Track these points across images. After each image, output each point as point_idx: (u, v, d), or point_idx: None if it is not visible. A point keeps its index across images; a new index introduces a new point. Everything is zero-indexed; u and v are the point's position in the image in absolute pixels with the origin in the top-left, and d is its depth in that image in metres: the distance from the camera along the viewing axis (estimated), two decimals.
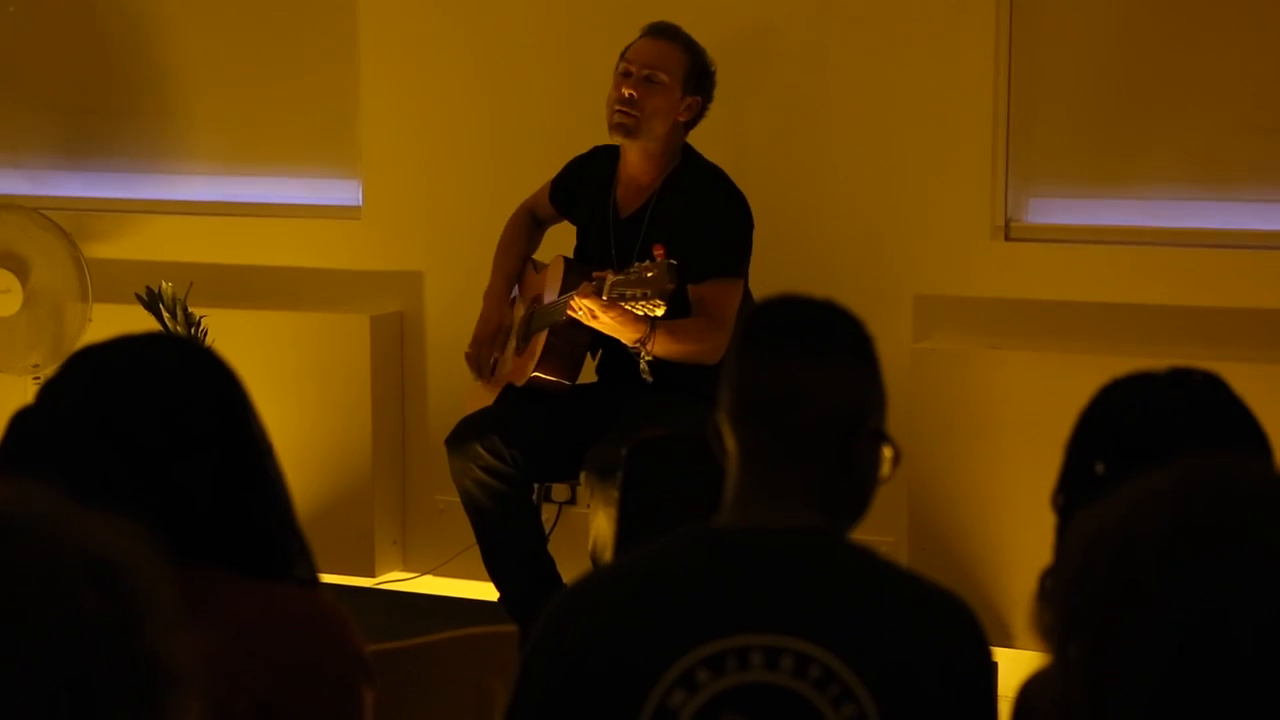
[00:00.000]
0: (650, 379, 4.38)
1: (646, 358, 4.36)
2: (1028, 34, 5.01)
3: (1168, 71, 4.93)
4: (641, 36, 4.65)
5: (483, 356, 4.86)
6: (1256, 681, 1.23)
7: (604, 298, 4.25)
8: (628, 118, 4.55)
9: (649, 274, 4.16)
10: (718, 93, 4.74)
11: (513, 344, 4.85)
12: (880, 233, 5.11)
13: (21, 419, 1.97)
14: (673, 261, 4.15)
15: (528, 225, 4.96)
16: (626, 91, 4.55)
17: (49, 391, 1.99)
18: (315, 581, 2.05)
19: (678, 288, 4.28)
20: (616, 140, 4.61)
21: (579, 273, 4.60)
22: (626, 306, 4.21)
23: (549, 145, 5.12)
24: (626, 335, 4.38)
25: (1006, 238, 5.06)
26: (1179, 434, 2.11)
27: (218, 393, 2.01)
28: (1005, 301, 5.01)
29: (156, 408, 1.96)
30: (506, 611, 4.54)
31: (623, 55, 4.65)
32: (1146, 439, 2.09)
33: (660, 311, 4.18)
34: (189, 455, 1.95)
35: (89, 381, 1.98)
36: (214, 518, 1.97)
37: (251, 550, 1.99)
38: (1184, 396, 2.15)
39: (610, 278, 4.25)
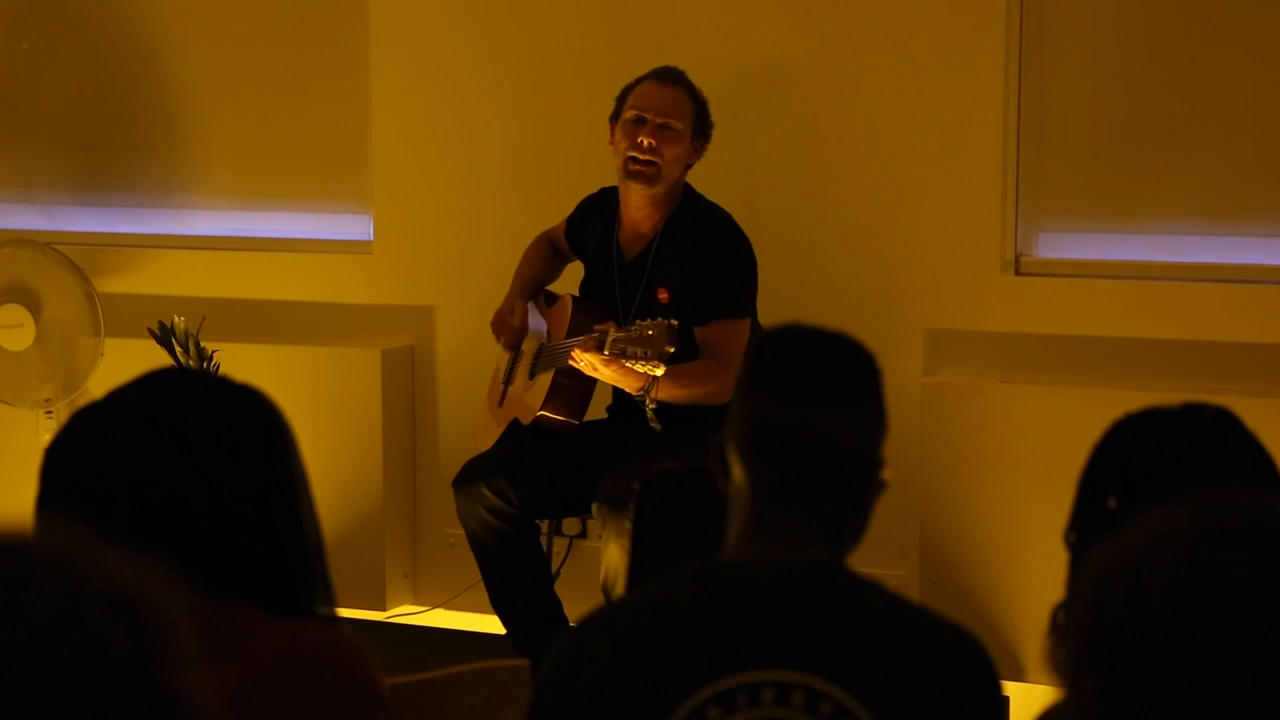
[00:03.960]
0: (658, 427, 4.38)
1: (651, 405, 4.37)
2: (1037, 69, 5.02)
3: (1178, 106, 4.94)
4: (645, 81, 4.64)
5: (503, 325, 4.82)
6: (1270, 716, 1.23)
7: (605, 353, 4.26)
8: (649, 167, 4.55)
9: (649, 333, 4.16)
10: (728, 128, 4.75)
11: (524, 370, 4.85)
12: (891, 267, 5.12)
13: (62, 445, 1.97)
14: (673, 323, 4.16)
15: (548, 248, 4.97)
16: (646, 140, 4.54)
17: (89, 423, 1.99)
18: (336, 618, 2.05)
19: (684, 330, 4.29)
20: (634, 187, 4.60)
21: (586, 314, 4.61)
22: (627, 364, 4.22)
23: (561, 180, 5.14)
24: (629, 386, 4.40)
25: (1017, 272, 5.07)
26: (1192, 469, 2.11)
27: (266, 432, 2.02)
28: (1016, 336, 5.02)
29: (203, 444, 1.97)
30: (514, 650, 4.55)
31: (625, 99, 4.64)
32: (1159, 474, 2.09)
33: (659, 372, 4.19)
34: (232, 491, 1.96)
35: (131, 415, 1.98)
36: (247, 553, 1.97)
37: (277, 586, 1.99)
38: (1196, 431, 2.15)
39: (612, 333, 4.25)
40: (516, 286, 4.90)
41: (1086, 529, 2.14)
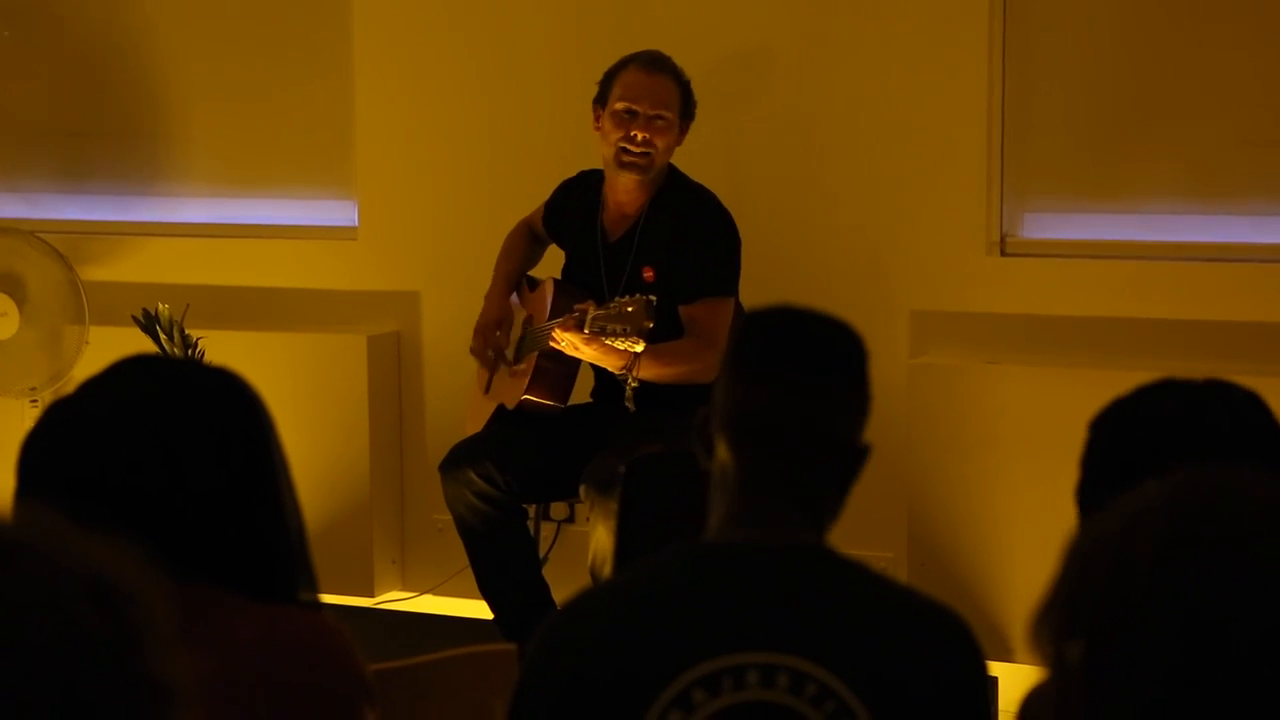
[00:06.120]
0: (633, 408, 4.38)
1: (633, 384, 4.37)
2: (1022, 49, 5.02)
3: (1162, 85, 4.94)
4: (631, 67, 4.62)
5: (486, 343, 4.82)
6: (1252, 689, 1.23)
7: (585, 332, 4.26)
8: (643, 158, 4.55)
9: (629, 309, 4.17)
10: (713, 111, 4.75)
11: (509, 356, 4.85)
12: (876, 249, 5.12)
13: (36, 439, 1.97)
14: (652, 298, 4.16)
15: (527, 236, 4.97)
16: (640, 135, 4.54)
17: (61, 415, 1.98)
18: (318, 604, 2.05)
19: (669, 308, 4.29)
20: (630, 176, 4.60)
21: (568, 295, 4.61)
22: (607, 341, 4.22)
23: (545, 165, 5.13)
24: (611, 365, 4.40)
25: (1002, 253, 5.07)
26: (1220, 445, 2.11)
27: (240, 415, 2.01)
28: (1001, 316, 5.02)
29: (176, 432, 1.96)
30: (502, 634, 4.55)
31: (611, 85, 4.61)
32: (1193, 446, 2.10)
33: (639, 348, 4.19)
34: (208, 477, 1.96)
35: (103, 405, 1.98)
36: (226, 540, 1.97)
37: (257, 572, 1.99)
38: (1227, 409, 2.16)
39: (591, 311, 4.25)
40: (499, 284, 4.89)
41: (1106, 491, 2.14)
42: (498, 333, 4.81)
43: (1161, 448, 2.09)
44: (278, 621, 1.97)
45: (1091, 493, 2.15)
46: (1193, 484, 1.32)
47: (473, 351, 4.86)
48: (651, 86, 4.59)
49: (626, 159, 4.56)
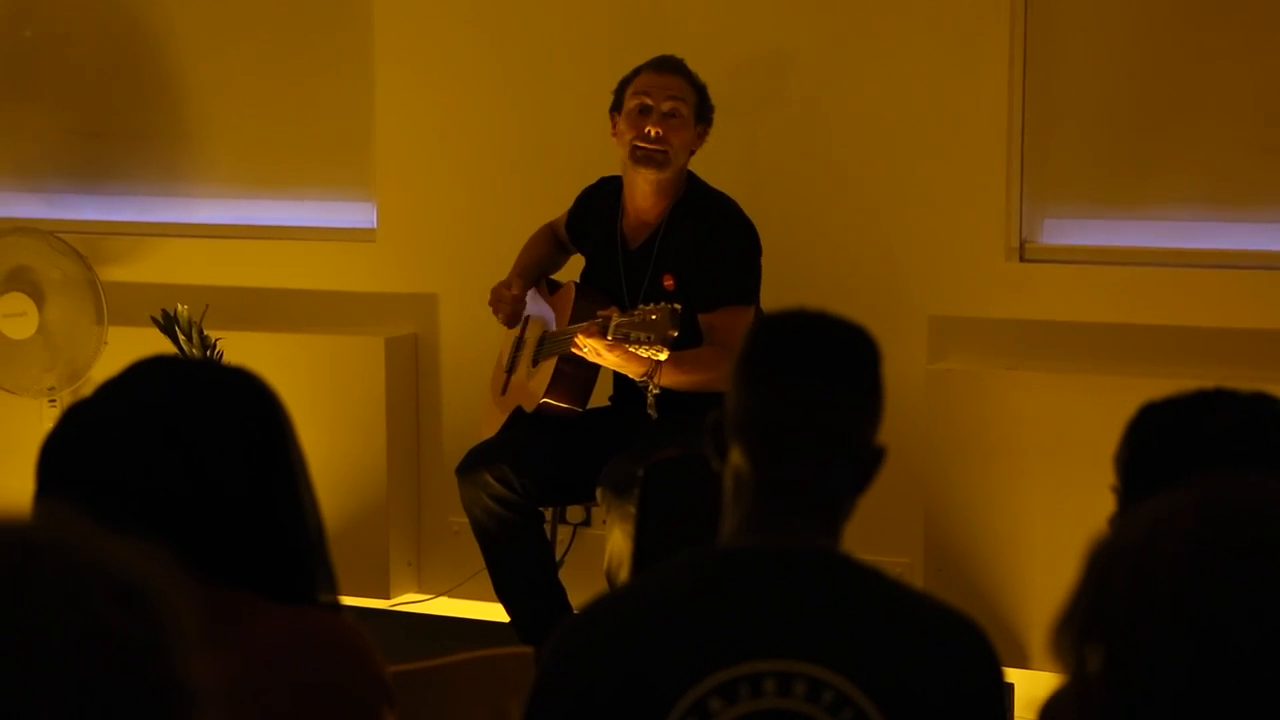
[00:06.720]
0: (655, 415, 4.38)
1: (655, 391, 4.37)
2: (1042, 55, 5.02)
3: (1181, 93, 4.93)
4: (644, 72, 4.64)
5: (501, 297, 4.83)
6: (1272, 697, 1.23)
7: (608, 338, 4.25)
8: (658, 153, 4.55)
9: (653, 317, 4.16)
10: (732, 114, 4.75)
11: (527, 358, 4.85)
12: (895, 254, 5.11)
13: (55, 441, 1.98)
14: (676, 307, 4.16)
15: (550, 238, 4.97)
16: (653, 130, 4.55)
17: (80, 417, 1.99)
18: (338, 606, 2.05)
19: (688, 317, 4.29)
20: (643, 173, 4.60)
21: (589, 300, 4.62)
22: (631, 349, 4.22)
23: (565, 167, 5.14)
24: (632, 371, 4.40)
25: (1021, 258, 5.06)
26: (1272, 457, 2.13)
27: (259, 416, 2.02)
28: (1020, 322, 5.01)
29: (195, 433, 1.96)
30: (518, 637, 4.55)
31: (625, 90, 4.63)
32: (1246, 457, 2.11)
33: (663, 357, 4.19)
34: (226, 478, 1.96)
35: (122, 407, 1.98)
36: (246, 541, 1.97)
37: (279, 574, 1.99)
38: (1277, 422, 2.18)
39: (615, 318, 4.25)
40: (516, 269, 4.91)
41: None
42: (509, 290, 4.79)
43: (1216, 457, 2.10)
44: (299, 623, 1.97)
45: (1137, 499, 2.15)
46: (1215, 492, 1.32)
47: (490, 301, 4.85)
48: (664, 83, 4.61)
49: (640, 152, 4.55)
